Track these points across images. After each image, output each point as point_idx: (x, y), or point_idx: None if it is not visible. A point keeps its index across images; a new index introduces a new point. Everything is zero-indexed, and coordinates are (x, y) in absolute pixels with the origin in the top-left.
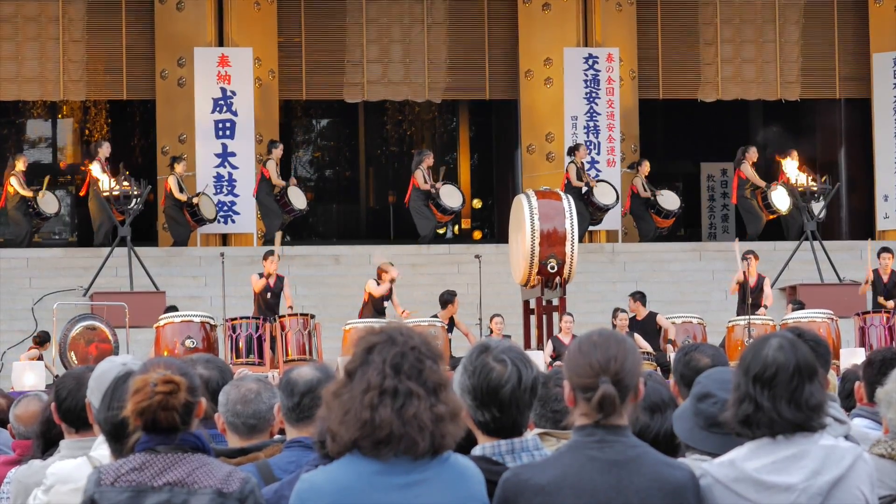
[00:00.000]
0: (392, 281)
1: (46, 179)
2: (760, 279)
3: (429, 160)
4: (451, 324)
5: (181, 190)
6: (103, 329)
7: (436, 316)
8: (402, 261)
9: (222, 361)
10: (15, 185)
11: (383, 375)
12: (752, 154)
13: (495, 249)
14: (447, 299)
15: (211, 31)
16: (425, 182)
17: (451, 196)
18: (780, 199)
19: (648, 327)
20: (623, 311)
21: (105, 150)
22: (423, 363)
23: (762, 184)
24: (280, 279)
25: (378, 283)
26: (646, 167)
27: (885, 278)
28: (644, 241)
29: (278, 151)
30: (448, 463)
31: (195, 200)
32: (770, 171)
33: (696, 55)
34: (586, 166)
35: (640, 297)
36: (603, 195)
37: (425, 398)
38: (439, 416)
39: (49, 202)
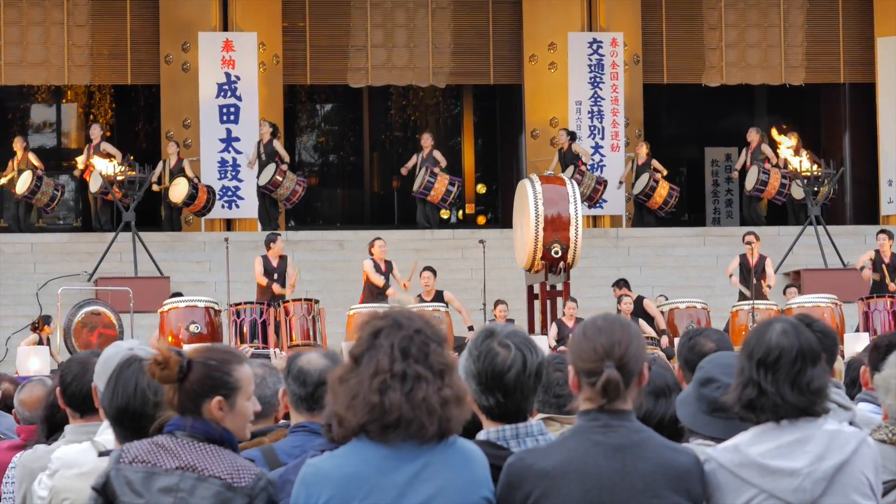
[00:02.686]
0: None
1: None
2: (762, 259)
3: (424, 141)
4: (440, 300)
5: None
6: (108, 314)
7: (419, 296)
8: (406, 246)
9: (239, 350)
10: (33, 160)
11: (392, 359)
12: (751, 136)
13: (499, 234)
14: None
15: (215, 15)
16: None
17: (416, 180)
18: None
19: (637, 313)
20: (627, 295)
21: (94, 132)
22: (428, 346)
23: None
24: (283, 259)
25: (373, 263)
26: (641, 150)
27: (887, 259)
28: (638, 226)
29: (262, 130)
30: (454, 447)
31: (156, 188)
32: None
33: (701, 40)
34: (590, 151)
35: (623, 283)
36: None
37: (433, 381)
38: (446, 399)
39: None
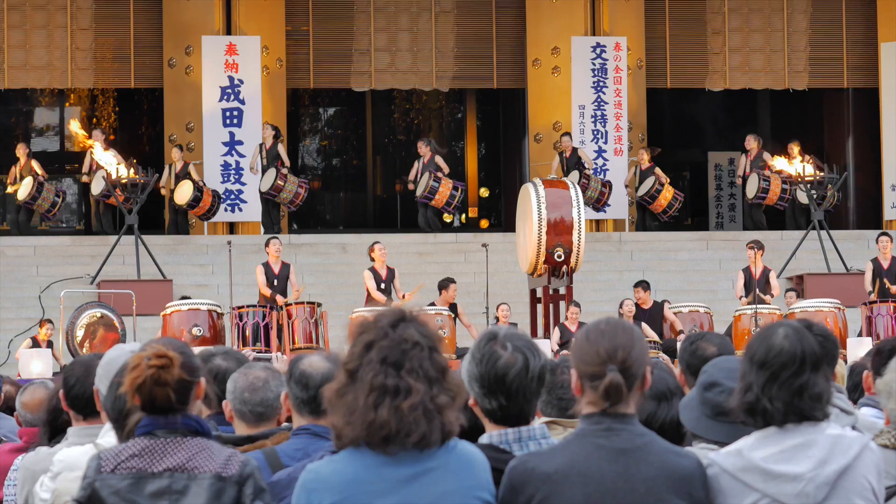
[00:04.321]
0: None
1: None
2: (766, 271)
3: (422, 149)
4: (453, 311)
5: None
6: (110, 317)
7: (433, 304)
8: (409, 249)
9: (241, 353)
10: (35, 167)
11: (384, 374)
12: (749, 144)
13: (502, 238)
14: (442, 285)
15: (218, 19)
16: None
17: (418, 185)
18: (750, 188)
19: (655, 316)
20: (630, 298)
21: (97, 135)
22: (420, 354)
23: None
24: (286, 266)
25: (372, 270)
26: (643, 156)
27: (886, 264)
28: (640, 230)
29: (265, 133)
30: (455, 451)
31: (164, 192)
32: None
33: (704, 44)
34: (593, 154)
35: (646, 286)
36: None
37: (426, 391)
38: (442, 406)
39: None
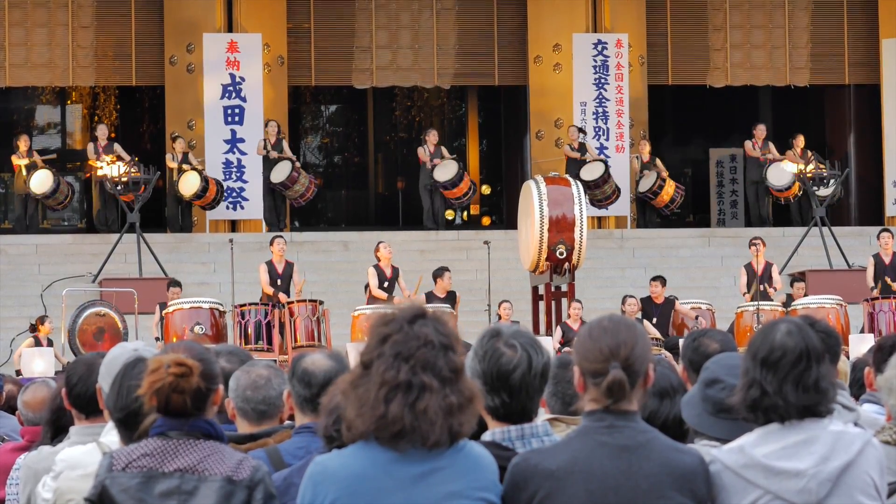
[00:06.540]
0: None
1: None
2: (768, 266)
3: (431, 137)
4: (452, 300)
5: (180, 167)
6: (112, 315)
7: (431, 293)
8: (411, 247)
9: (246, 354)
10: (18, 161)
11: (397, 369)
12: (759, 132)
13: (504, 235)
14: (437, 274)
15: (220, 16)
16: (429, 159)
17: (443, 169)
18: (778, 177)
19: (666, 313)
20: (632, 296)
21: (101, 132)
22: (435, 353)
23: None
24: (289, 265)
25: (377, 271)
26: (644, 148)
27: (887, 260)
28: (642, 226)
29: (268, 129)
30: (463, 452)
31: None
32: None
33: (706, 41)
34: (595, 152)
35: (663, 281)
36: (588, 171)
37: (439, 390)
38: (453, 406)
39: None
